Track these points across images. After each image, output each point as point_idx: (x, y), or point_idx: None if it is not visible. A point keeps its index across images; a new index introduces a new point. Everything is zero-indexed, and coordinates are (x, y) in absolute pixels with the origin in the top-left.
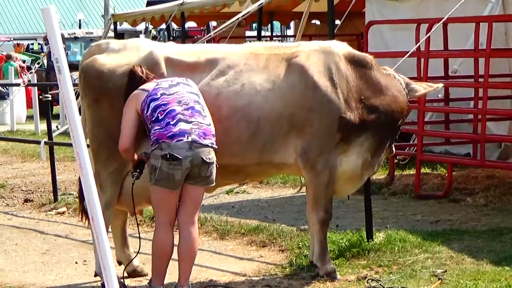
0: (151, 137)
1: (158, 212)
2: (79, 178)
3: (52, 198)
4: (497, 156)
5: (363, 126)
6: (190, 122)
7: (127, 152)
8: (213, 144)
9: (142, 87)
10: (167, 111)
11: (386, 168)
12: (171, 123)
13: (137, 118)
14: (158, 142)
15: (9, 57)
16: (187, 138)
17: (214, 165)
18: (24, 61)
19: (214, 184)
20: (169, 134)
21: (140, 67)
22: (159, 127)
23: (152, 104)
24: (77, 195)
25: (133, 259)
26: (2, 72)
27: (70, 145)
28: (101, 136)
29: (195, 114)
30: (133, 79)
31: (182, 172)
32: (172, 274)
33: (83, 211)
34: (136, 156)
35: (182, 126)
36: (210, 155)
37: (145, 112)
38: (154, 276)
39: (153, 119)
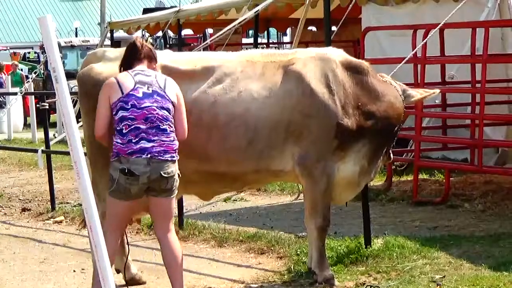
0: (113, 146)
1: (110, 220)
2: None
3: (50, 207)
4: (495, 162)
5: (360, 133)
6: (152, 141)
7: (103, 139)
8: (173, 157)
9: (120, 79)
10: (132, 127)
11: (384, 175)
12: (133, 141)
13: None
14: (118, 155)
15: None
16: (146, 155)
17: (175, 177)
18: (21, 70)
19: (175, 194)
20: (129, 151)
21: (142, 40)
22: (120, 142)
23: (120, 113)
24: (75, 204)
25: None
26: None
27: (67, 153)
28: (98, 144)
29: (158, 133)
30: (129, 51)
31: (138, 187)
32: (159, 278)
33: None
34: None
35: (143, 144)
36: (170, 169)
37: (113, 113)
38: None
39: (118, 128)
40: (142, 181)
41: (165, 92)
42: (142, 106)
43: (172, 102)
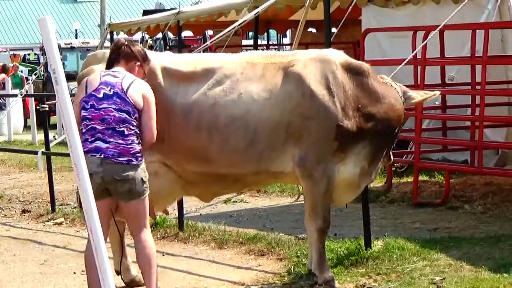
0: None
1: None
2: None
3: (50, 208)
4: (495, 163)
5: (361, 135)
6: (108, 142)
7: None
8: (130, 161)
9: (89, 79)
10: (89, 127)
11: (384, 176)
12: (89, 140)
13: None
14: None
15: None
16: (100, 155)
17: (135, 181)
18: (21, 71)
19: (142, 197)
20: (85, 149)
21: (128, 43)
22: (82, 141)
23: (82, 113)
24: (76, 205)
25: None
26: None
27: (67, 155)
28: None
29: (114, 135)
30: (111, 52)
31: (95, 187)
32: (160, 281)
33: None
34: None
35: (98, 144)
36: (125, 173)
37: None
38: (89, 285)
39: (80, 128)
40: (96, 181)
41: (126, 95)
42: (100, 107)
43: (133, 105)
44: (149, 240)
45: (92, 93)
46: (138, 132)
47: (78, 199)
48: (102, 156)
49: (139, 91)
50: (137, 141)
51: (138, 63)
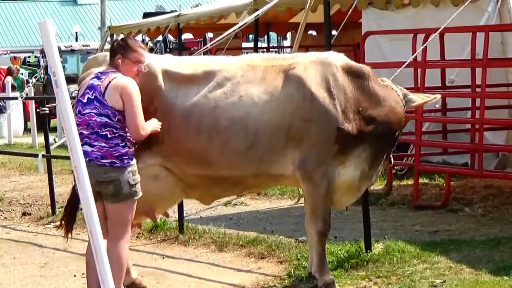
0: None
1: None
2: (73, 188)
3: (50, 211)
4: (495, 166)
5: (361, 137)
6: (93, 146)
7: None
8: (114, 163)
9: (83, 83)
10: (79, 132)
11: (384, 179)
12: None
13: None
14: None
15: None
16: (86, 158)
17: (119, 182)
18: (21, 74)
19: (126, 201)
20: None
21: (116, 40)
22: None
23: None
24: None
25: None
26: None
27: (67, 158)
28: None
29: (98, 139)
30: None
31: None
32: (160, 284)
33: (66, 222)
34: None
35: (85, 148)
36: (108, 174)
37: None
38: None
39: None
40: None
41: (104, 98)
42: (84, 112)
43: (112, 108)
44: (118, 249)
45: (80, 98)
46: (125, 134)
47: (68, 200)
48: (87, 159)
49: (116, 91)
50: (122, 144)
51: (119, 55)
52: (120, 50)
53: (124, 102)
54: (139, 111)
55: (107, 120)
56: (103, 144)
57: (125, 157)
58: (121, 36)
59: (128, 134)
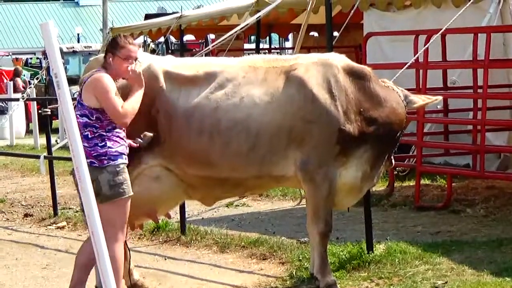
0: None
1: None
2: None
3: (52, 212)
4: (497, 167)
5: (362, 138)
6: None
7: None
8: (92, 163)
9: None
10: None
11: (386, 180)
12: None
13: None
14: None
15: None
16: None
17: (98, 183)
18: (24, 75)
19: (109, 201)
20: None
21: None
22: None
23: None
24: (78, 209)
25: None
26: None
27: (69, 159)
28: None
29: (83, 139)
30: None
31: None
32: (162, 285)
33: None
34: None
35: None
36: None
37: None
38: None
39: None
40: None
41: (81, 99)
42: (76, 114)
43: (88, 107)
44: (114, 255)
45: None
46: (106, 134)
47: (81, 203)
48: None
49: (88, 90)
50: (101, 144)
51: (110, 54)
52: (110, 48)
53: (98, 100)
54: (114, 101)
55: (87, 120)
56: (85, 144)
57: (103, 157)
58: None
59: (110, 134)
